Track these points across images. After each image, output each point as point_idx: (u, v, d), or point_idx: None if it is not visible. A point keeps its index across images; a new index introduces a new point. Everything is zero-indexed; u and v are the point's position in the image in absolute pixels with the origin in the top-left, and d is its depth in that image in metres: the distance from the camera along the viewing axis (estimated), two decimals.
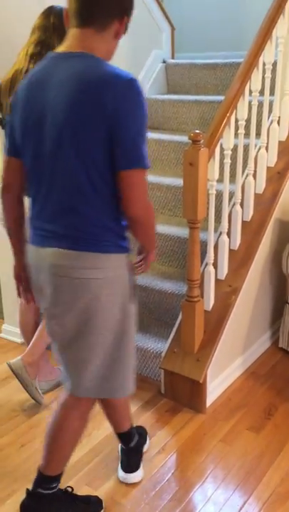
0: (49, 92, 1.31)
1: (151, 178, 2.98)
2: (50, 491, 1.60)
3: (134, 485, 1.84)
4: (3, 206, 1.56)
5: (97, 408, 2.24)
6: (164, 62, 3.51)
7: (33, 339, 2.22)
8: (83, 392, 1.52)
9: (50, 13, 1.99)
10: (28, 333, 2.30)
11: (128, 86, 1.26)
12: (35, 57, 1.96)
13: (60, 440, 1.56)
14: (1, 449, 2.03)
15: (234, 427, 2.11)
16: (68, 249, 1.37)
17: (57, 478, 1.61)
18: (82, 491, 1.82)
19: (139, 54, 3.31)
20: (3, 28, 2.37)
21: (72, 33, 1.34)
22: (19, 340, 2.78)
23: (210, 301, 2.26)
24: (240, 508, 1.74)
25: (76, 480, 1.87)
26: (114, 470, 1.91)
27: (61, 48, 1.35)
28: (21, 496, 1.79)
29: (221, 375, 2.32)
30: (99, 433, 2.10)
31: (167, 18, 3.48)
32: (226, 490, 1.82)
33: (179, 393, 2.24)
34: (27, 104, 1.35)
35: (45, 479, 1.59)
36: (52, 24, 1.96)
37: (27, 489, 1.62)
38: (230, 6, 4.06)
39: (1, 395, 2.36)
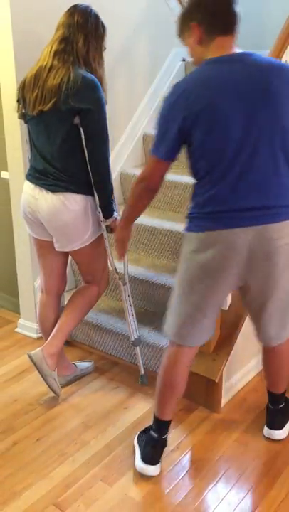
0: (236, 86, 1.54)
1: (168, 176, 2.97)
2: None
3: (148, 481, 1.84)
4: (142, 203, 1.81)
5: (112, 404, 2.26)
6: (183, 60, 3.50)
7: (54, 331, 2.23)
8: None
9: (75, 11, 1.99)
10: (46, 326, 2.32)
11: None
12: (58, 53, 1.97)
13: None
14: (16, 442, 2.05)
15: (249, 428, 2.11)
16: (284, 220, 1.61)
17: None
18: (96, 486, 1.83)
19: (158, 52, 3.31)
20: (29, 26, 2.40)
21: (224, 40, 1.59)
22: (35, 335, 2.80)
23: (227, 300, 2.25)
24: (254, 510, 1.73)
25: (91, 475, 1.88)
26: (129, 466, 1.91)
27: (218, 53, 1.58)
28: (37, 489, 1.81)
29: (236, 375, 2.31)
30: (114, 429, 2.11)
31: None
32: (240, 490, 1.81)
33: (194, 392, 2.24)
34: (213, 102, 1.54)
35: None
36: (76, 22, 1.97)
37: None
38: (252, 4, 4.03)
39: (17, 388, 2.38)
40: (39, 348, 2.19)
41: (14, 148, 2.56)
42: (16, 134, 2.51)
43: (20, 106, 2.09)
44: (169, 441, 2.02)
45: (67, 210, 2.03)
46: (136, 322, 2.35)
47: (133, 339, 2.33)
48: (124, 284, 2.29)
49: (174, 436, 2.06)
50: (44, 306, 2.33)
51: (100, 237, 2.18)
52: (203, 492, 1.81)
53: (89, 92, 1.92)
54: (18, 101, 2.10)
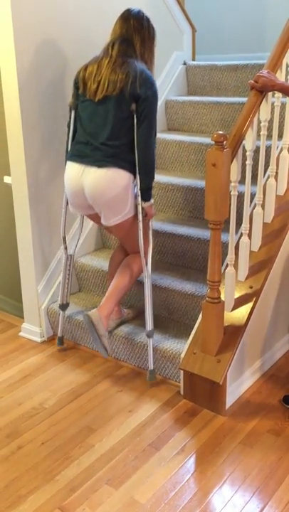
0: None
1: (170, 179, 2.99)
2: None
3: (153, 485, 1.84)
4: None
5: (117, 407, 2.26)
6: (184, 63, 3.51)
7: (107, 294, 2.39)
8: None
9: (130, 15, 2.23)
10: (112, 269, 2.55)
11: None
12: (122, 51, 2.19)
13: None
14: (21, 446, 2.05)
15: (254, 430, 2.11)
16: None
17: None
18: (102, 490, 1.83)
19: (160, 56, 3.28)
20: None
21: None
22: (39, 339, 2.80)
23: (231, 302, 2.26)
24: None
25: (96, 479, 1.88)
26: (133, 469, 1.91)
27: None
28: (42, 493, 1.82)
29: (241, 377, 2.31)
30: (119, 432, 2.11)
31: (188, 19, 3.48)
32: (246, 492, 1.81)
33: (198, 394, 2.24)
34: None
35: None
36: (133, 26, 2.22)
37: None
38: (252, 8, 4.05)
39: (21, 392, 2.39)
40: (94, 309, 2.33)
41: (17, 153, 2.57)
42: (19, 139, 2.52)
43: (78, 90, 2.29)
44: (173, 444, 2.03)
45: (112, 183, 2.21)
46: (152, 313, 2.39)
47: (148, 330, 2.37)
48: (148, 274, 2.37)
49: (178, 439, 2.06)
50: (113, 254, 2.61)
51: (136, 217, 2.33)
52: (208, 495, 1.80)
53: (149, 84, 2.18)
54: (75, 85, 2.30)
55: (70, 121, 2.38)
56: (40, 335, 2.81)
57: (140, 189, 2.26)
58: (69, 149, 2.37)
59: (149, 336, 2.37)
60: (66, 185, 2.34)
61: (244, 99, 2.96)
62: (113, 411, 2.24)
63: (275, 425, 2.13)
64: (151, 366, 2.39)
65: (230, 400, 2.24)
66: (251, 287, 2.30)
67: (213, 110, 3.18)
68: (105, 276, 2.80)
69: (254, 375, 2.41)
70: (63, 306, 2.68)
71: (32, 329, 2.84)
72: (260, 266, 2.34)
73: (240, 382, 2.31)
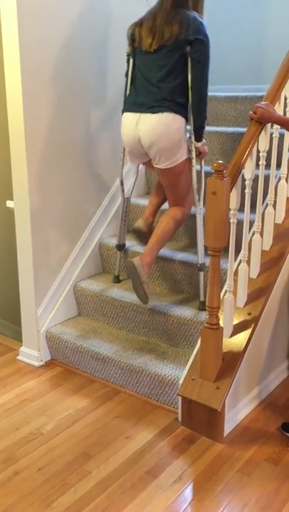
0: None
1: None
2: None
3: None
4: None
5: (114, 433, 2.24)
6: None
7: (149, 244, 2.53)
8: None
9: None
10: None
11: None
12: (175, 4, 2.34)
13: None
14: (18, 471, 2.03)
15: (252, 458, 2.09)
16: None
17: None
18: None
19: None
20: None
21: None
22: (37, 363, 2.80)
23: (229, 328, 2.27)
24: None
25: (92, 506, 1.86)
26: (131, 497, 1.89)
27: None
28: None
29: (239, 405, 2.31)
30: (116, 459, 2.09)
31: None
32: None
33: (197, 421, 2.23)
34: None
35: None
36: None
37: None
38: (252, 40, 4.17)
39: (19, 417, 2.37)
40: (137, 257, 2.47)
41: (20, 178, 2.61)
42: (22, 164, 2.57)
43: (134, 42, 2.44)
44: (170, 472, 2.01)
45: (166, 127, 2.34)
46: (204, 248, 2.52)
47: (199, 264, 2.56)
48: (200, 208, 2.53)
49: (175, 467, 2.04)
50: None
51: (188, 161, 2.48)
52: None
53: (201, 29, 2.34)
54: (132, 38, 2.45)
55: (128, 69, 2.52)
56: (38, 359, 2.80)
57: (193, 129, 2.41)
58: (125, 99, 2.51)
59: (201, 269, 2.56)
60: (123, 136, 2.49)
61: (244, 130, 3.03)
62: (110, 437, 2.23)
63: (273, 454, 2.11)
64: (202, 298, 2.58)
65: (228, 427, 2.23)
66: (250, 314, 2.31)
67: (214, 139, 3.25)
68: (104, 301, 2.81)
69: (252, 403, 2.41)
70: (120, 247, 2.89)
71: (30, 353, 2.84)
72: (259, 293, 2.36)
73: (238, 410, 2.30)
